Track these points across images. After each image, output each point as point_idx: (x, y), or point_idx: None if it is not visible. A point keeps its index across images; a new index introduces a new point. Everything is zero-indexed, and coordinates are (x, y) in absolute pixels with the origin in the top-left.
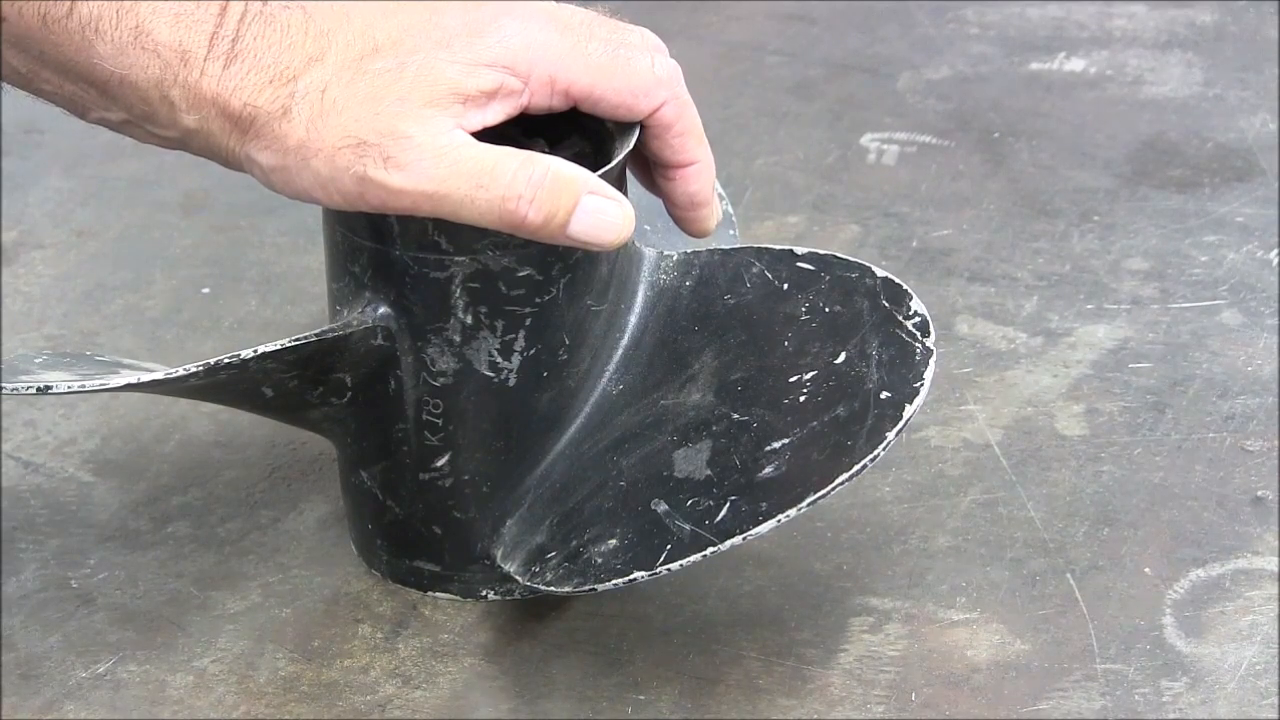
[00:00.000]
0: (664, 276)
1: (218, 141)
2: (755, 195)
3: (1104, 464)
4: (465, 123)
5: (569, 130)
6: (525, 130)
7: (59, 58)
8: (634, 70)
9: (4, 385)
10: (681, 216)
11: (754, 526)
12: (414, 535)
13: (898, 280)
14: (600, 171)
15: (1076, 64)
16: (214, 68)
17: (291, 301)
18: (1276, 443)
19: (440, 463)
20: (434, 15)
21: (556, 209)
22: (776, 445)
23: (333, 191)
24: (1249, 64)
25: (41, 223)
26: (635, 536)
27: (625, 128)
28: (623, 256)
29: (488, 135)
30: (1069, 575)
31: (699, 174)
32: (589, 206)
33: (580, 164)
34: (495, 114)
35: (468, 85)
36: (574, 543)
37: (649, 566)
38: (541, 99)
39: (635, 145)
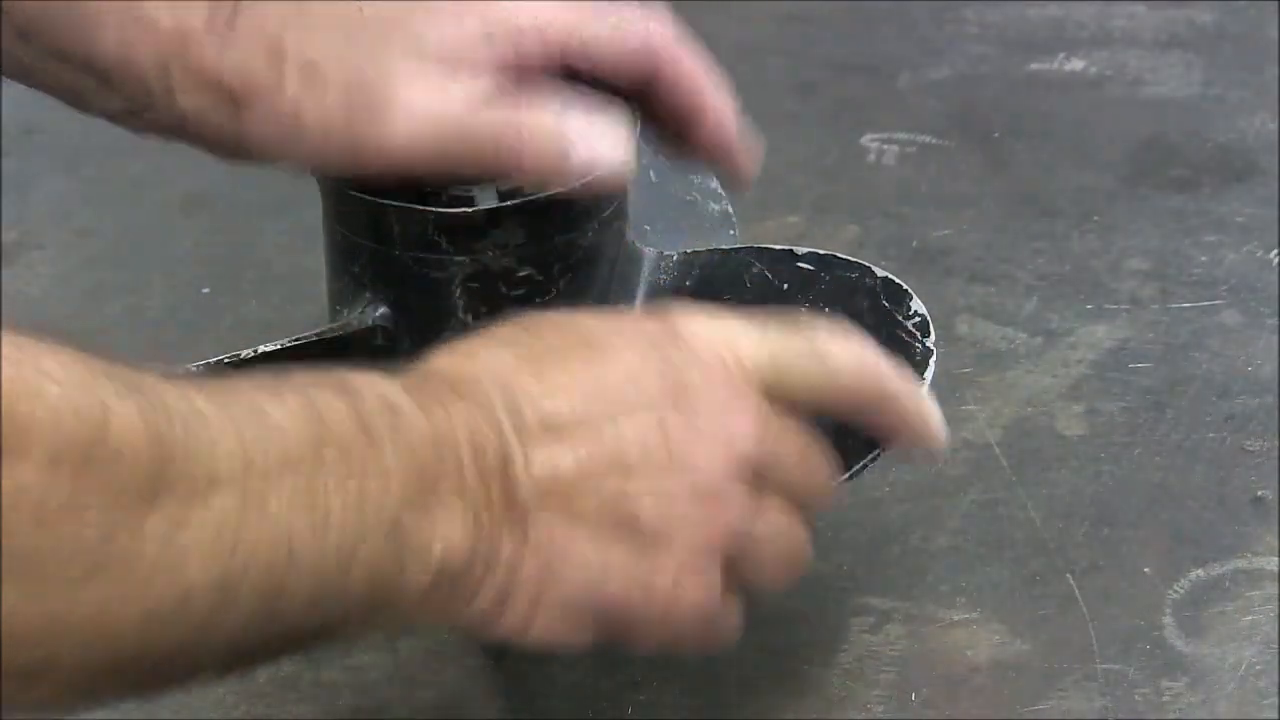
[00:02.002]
0: (664, 277)
1: (212, 123)
2: (755, 195)
3: (1104, 464)
4: (457, 75)
5: None
6: None
7: (59, 44)
8: (629, 26)
9: None
10: (719, 169)
11: None
12: None
13: (898, 280)
14: None
15: (1076, 64)
16: (212, 45)
17: (291, 301)
18: (1276, 443)
19: None
20: None
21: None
22: None
23: (331, 155)
24: (1249, 64)
25: (41, 223)
26: None
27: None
28: (623, 257)
29: None
30: (1069, 575)
31: (715, 116)
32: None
33: None
34: (482, 66)
35: (455, 39)
36: None
37: None
38: (534, 53)
39: (654, 115)
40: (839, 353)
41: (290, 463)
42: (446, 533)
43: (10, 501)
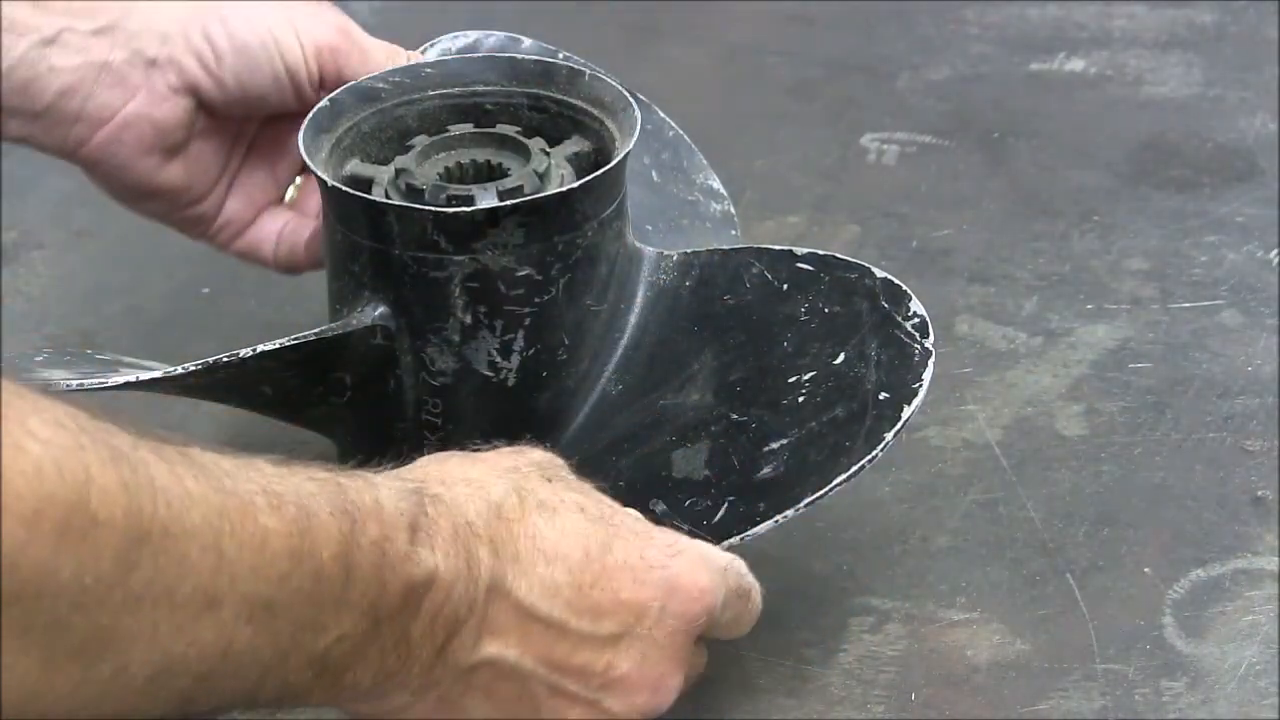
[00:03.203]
0: (664, 277)
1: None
2: (755, 195)
3: (1104, 464)
4: None
5: (569, 130)
6: (526, 130)
7: None
8: None
9: None
10: None
11: (752, 527)
12: None
13: (897, 281)
14: (600, 171)
15: (1076, 64)
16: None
17: (291, 301)
18: (1276, 443)
19: None
20: None
21: None
22: (775, 446)
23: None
24: (1249, 64)
25: (41, 223)
26: None
27: (625, 129)
28: (622, 257)
29: (481, 133)
30: (1069, 575)
31: None
32: None
33: (579, 163)
34: None
35: None
36: None
37: None
38: None
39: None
40: (757, 607)
41: (259, 573)
42: (362, 672)
43: None
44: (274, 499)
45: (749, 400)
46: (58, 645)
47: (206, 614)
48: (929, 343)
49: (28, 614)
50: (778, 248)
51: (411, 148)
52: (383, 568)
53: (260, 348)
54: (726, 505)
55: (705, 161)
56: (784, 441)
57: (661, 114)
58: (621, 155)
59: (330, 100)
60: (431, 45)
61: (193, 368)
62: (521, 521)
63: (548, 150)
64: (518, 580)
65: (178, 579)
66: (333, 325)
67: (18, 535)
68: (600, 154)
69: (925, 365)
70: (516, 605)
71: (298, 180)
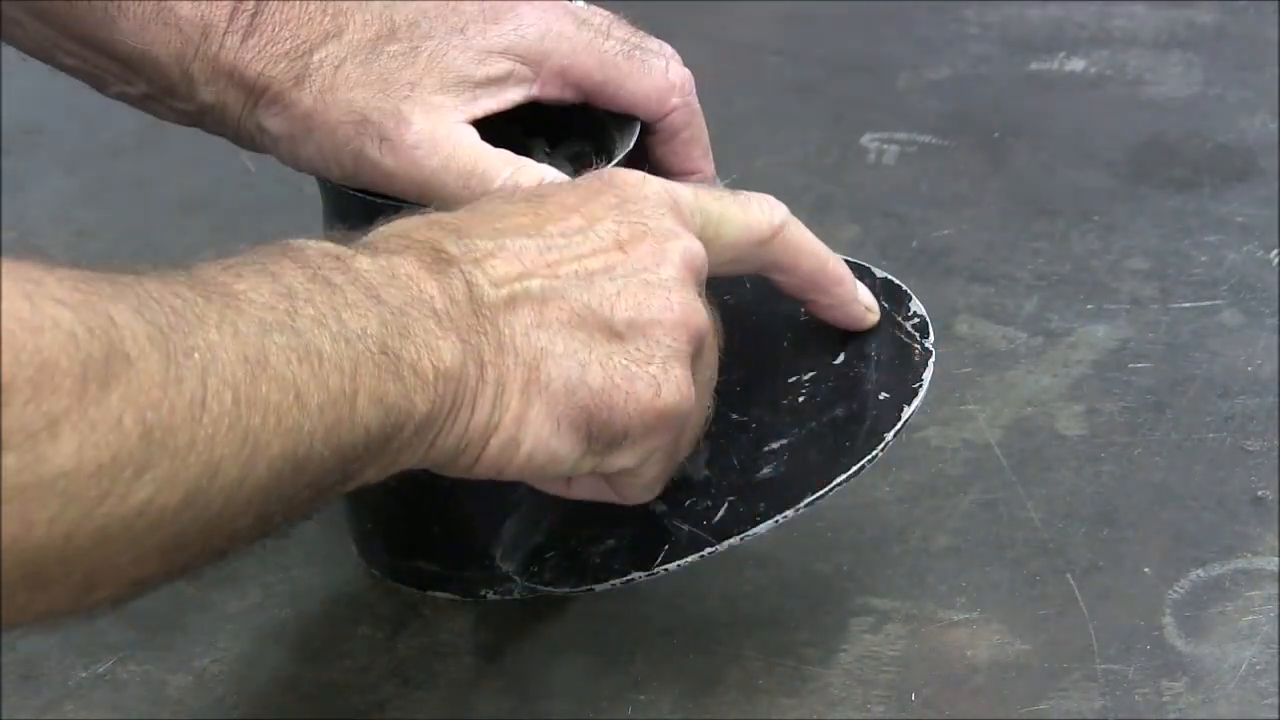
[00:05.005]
0: None
1: (232, 114)
2: None
3: (1104, 464)
4: (475, 109)
5: (569, 130)
6: (526, 130)
7: (81, 31)
8: (649, 71)
9: None
10: None
11: (752, 527)
12: (413, 535)
13: (897, 281)
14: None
15: (1076, 64)
16: (233, 40)
17: None
18: (1276, 443)
19: None
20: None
21: None
22: (775, 445)
23: (331, 164)
24: (1249, 64)
25: (41, 223)
26: (633, 537)
27: (625, 129)
28: None
29: (487, 132)
30: (1069, 575)
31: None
32: None
33: (580, 164)
34: (505, 101)
35: (478, 73)
36: (572, 542)
37: (647, 567)
38: (553, 90)
39: (639, 150)
40: (760, 208)
41: (270, 324)
42: (433, 352)
43: (53, 431)
44: (231, 273)
45: (748, 400)
46: (146, 474)
47: (257, 372)
48: (929, 343)
49: (116, 471)
50: None
51: None
52: (348, 272)
53: None
54: (726, 505)
55: None
56: (784, 441)
57: None
58: (621, 155)
59: None
60: None
61: None
62: (450, 215)
63: (548, 150)
64: (474, 230)
65: (213, 362)
66: None
67: (78, 406)
68: (600, 154)
69: (925, 365)
70: (495, 245)
71: None
